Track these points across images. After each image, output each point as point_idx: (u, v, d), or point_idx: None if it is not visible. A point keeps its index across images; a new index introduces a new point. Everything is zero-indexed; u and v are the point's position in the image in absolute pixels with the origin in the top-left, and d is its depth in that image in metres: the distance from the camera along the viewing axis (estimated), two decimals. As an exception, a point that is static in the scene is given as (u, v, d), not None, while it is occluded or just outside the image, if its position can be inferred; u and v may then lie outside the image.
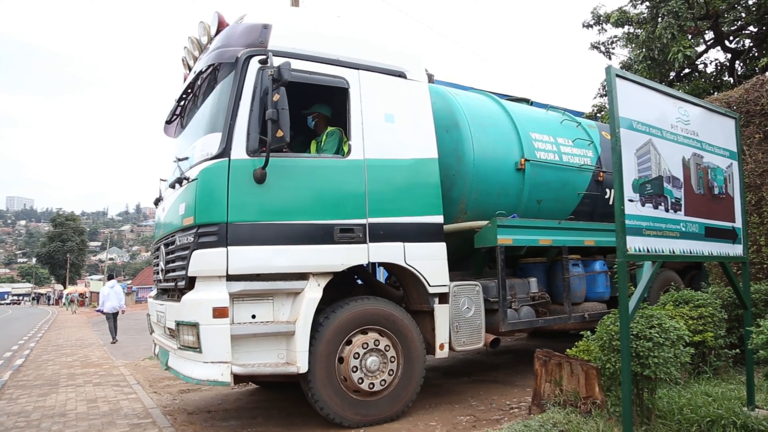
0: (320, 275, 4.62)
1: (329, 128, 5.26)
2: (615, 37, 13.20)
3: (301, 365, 4.35)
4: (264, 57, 4.46)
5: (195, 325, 4.22)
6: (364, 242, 4.77)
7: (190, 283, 4.48)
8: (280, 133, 4.21)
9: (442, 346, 5.14)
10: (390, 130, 5.10)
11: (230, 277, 4.30)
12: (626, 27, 12.63)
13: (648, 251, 3.61)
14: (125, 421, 5.55)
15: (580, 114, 14.20)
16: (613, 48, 13.33)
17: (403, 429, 4.85)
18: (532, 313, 6.22)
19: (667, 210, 3.80)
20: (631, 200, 3.55)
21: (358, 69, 5.04)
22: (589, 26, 13.00)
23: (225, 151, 4.36)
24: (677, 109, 4.09)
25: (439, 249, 5.23)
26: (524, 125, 6.72)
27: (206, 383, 4.23)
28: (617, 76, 3.63)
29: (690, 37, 11.35)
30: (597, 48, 13.41)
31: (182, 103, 5.83)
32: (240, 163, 4.36)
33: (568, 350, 4.84)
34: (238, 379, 4.48)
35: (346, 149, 4.95)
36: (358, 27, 5.40)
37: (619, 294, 3.47)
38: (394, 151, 5.08)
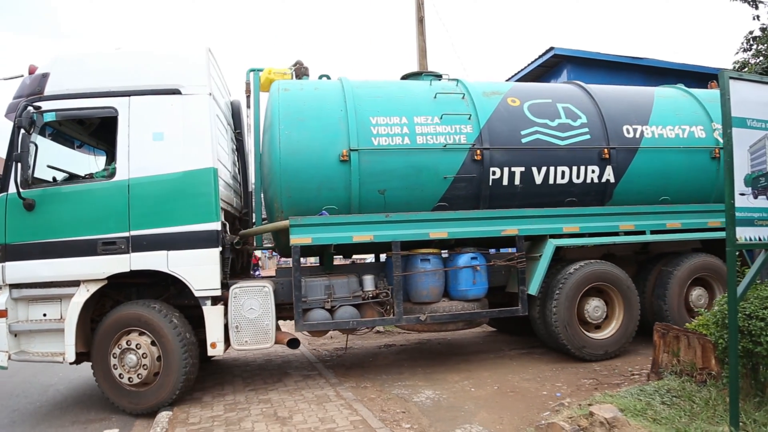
0: (89, 282, 5.46)
1: None
2: (763, -16, 12.14)
3: (68, 356, 5.36)
4: (37, 104, 5.40)
5: None
6: (127, 252, 5.43)
7: None
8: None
9: (213, 345, 5.57)
10: (159, 147, 5.55)
11: (15, 285, 5.44)
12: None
13: (760, 239, 3.92)
14: (298, 372, 6.88)
15: (715, 71, 13.32)
16: (761, -3, 12.26)
17: (532, 388, 5.60)
18: (354, 314, 6.07)
19: (783, 200, 4.03)
20: (742, 194, 3.87)
21: (129, 96, 5.60)
22: (730, -24, 12.07)
23: (3, 187, 5.48)
24: (799, 100, 4.21)
25: (208, 255, 5.53)
26: (364, 110, 6.30)
27: None
28: (731, 78, 3.90)
29: None
30: (740, -2, 12.41)
31: None
32: (15, 196, 5.37)
33: (687, 324, 5.21)
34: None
35: (111, 172, 5.59)
36: (135, 55, 5.91)
37: (728, 280, 3.85)
38: (161, 167, 5.52)
